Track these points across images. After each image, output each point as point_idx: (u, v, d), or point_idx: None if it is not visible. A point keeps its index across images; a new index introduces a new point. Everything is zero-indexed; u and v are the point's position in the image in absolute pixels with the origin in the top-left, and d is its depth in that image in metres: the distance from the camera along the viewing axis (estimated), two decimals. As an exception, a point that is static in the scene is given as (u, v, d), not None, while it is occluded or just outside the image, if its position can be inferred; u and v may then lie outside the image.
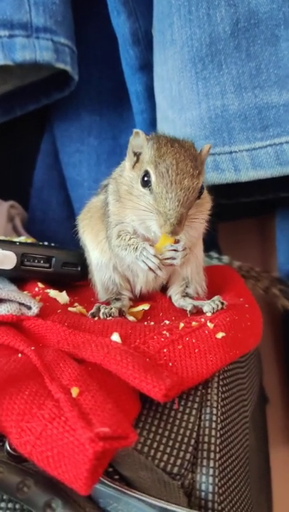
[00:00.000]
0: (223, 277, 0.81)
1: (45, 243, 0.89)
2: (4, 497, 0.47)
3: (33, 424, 0.45)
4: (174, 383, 0.50)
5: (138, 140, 0.67)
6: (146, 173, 0.64)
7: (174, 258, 0.65)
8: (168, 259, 0.65)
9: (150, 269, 0.64)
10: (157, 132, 0.72)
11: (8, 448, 0.48)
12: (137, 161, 0.67)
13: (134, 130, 0.67)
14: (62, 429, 0.44)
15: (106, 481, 0.47)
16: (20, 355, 0.56)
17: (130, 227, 0.69)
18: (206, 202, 0.70)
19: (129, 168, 0.68)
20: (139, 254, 0.65)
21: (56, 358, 0.54)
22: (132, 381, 0.50)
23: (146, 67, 0.99)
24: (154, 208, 0.63)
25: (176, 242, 0.65)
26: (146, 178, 0.64)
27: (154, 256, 0.64)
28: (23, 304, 0.63)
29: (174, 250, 0.65)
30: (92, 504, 0.46)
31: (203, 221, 0.70)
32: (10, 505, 0.47)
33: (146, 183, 0.64)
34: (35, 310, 0.63)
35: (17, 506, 0.47)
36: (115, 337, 0.57)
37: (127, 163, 0.69)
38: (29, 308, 0.64)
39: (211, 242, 0.79)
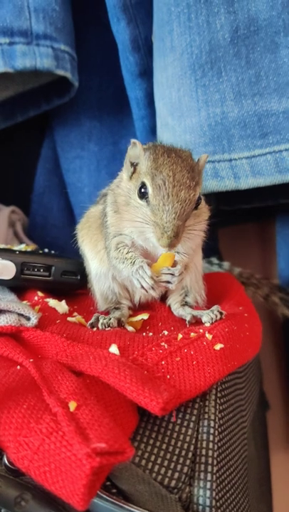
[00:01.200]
0: (223, 285, 0.81)
1: (46, 250, 0.89)
2: (2, 511, 0.48)
3: (31, 438, 0.45)
4: (172, 396, 0.50)
5: (135, 150, 0.67)
6: (143, 185, 0.64)
7: (169, 282, 0.65)
8: (164, 282, 0.65)
9: (143, 287, 0.65)
10: (155, 141, 0.72)
11: (6, 462, 0.48)
12: (134, 171, 0.67)
13: (132, 140, 0.67)
14: (60, 444, 0.44)
15: (103, 495, 0.47)
16: (18, 367, 0.56)
17: (128, 239, 0.69)
18: (204, 212, 0.70)
19: (126, 179, 0.68)
20: (135, 272, 0.65)
21: (55, 370, 0.54)
22: (130, 394, 0.50)
23: (146, 73, 0.99)
24: (151, 220, 0.63)
25: (174, 265, 0.65)
26: (143, 190, 0.64)
27: (150, 277, 0.64)
28: (22, 315, 0.64)
29: (171, 274, 0.65)
30: (89, 518, 0.47)
31: (201, 231, 0.69)
32: (8, 518, 0.47)
33: (143, 195, 0.64)
34: (34, 321, 0.63)
35: (15, 520, 0.47)
36: (113, 349, 0.57)
37: (124, 173, 0.69)
38: (28, 319, 0.64)
39: (211, 248, 0.79)
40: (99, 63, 1.13)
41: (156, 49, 0.94)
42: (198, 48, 0.85)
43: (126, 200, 0.67)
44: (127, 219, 0.67)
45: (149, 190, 0.63)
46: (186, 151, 0.68)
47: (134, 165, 0.68)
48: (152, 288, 0.64)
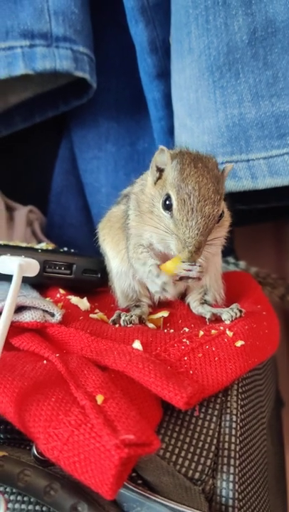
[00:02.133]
0: (241, 284, 0.83)
1: (65, 249, 0.91)
2: (32, 500, 0.49)
3: (60, 430, 0.47)
4: (195, 391, 0.51)
5: (162, 157, 0.67)
6: (168, 197, 0.64)
7: (189, 277, 0.65)
8: (184, 278, 0.65)
9: (155, 291, 0.66)
10: (181, 147, 0.72)
11: (35, 452, 0.50)
12: (160, 177, 0.68)
13: (160, 147, 0.67)
14: (89, 435, 0.46)
15: (130, 486, 0.49)
16: (45, 361, 0.57)
17: (146, 241, 0.70)
18: (226, 221, 0.70)
19: (151, 184, 0.69)
20: (148, 274, 0.66)
21: (80, 364, 0.55)
22: (154, 389, 0.51)
23: (163, 75, 1.00)
24: (173, 233, 0.63)
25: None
26: (168, 202, 0.64)
27: (158, 278, 0.64)
28: (46, 311, 0.65)
29: (189, 270, 0.64)
30: (116, 508, 0.48)
31: (221, 240, 0.70)
32: (37, 507, 0.49)
33: (167, 207, 0.64)
34: (58, 317, 0.65)
35: (44, 509, 0.49)
36: (137, 344, 0.59)
37: (150, 178, 0.70)
38: (52, 315, 0.65)
39: (227, 248, 0.80)
40: (116, 64, 1.15)
41: (174, 51, 0.95)
42: (216, 49, 0.86)
43: (150, 208, 0.67)
44: (150, 225, 0.67)
45: (174, 204, 0.63)
46: (211, 159, 0.67)
47: (160, 170, 0.68)
48: (164, 289, 0.64)
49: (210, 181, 0.63)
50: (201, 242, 0.61)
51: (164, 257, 0.69)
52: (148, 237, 0.69)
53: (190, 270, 0.64)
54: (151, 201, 0.67)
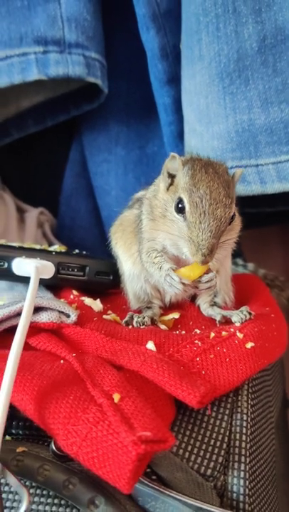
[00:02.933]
0: (250, 286, 0.84)
1: (77, 251, 0.93)
2: (51, 493, 0.51)
3: (79, 427, 0.49)
4: (208, 390, 0.53)
5: (174, 164, 0.69)
6: (181, 201, 0.66)
7: (210, 286, 0.69)
8: (205, 287, 0.68)
9: (176, 293, 0.69)
10: (192, 153, 0.74)
11: (54, 448, 0.52)
12: (172, 183, 0.69)
13: (171, 154, 0.69)
14: (107, 432, 0.47)
15: (145, 481, 0.51)
16: (62, 361, 0.59)
17: (160, 245, 0.72)
18: (237, 224, 0.72)
19: (164, 190, 0.70)
20: (164, 279, 0.68)
21: (96, 364, 0.57)
22: (168, 388, 0.53)
23: (174, 80, 1.02)
24: (186, 236, 0.65)
25: (207, 272, 0.68)
26: (180, 205, 0.66)
27: (180, 282, 0.67)
28: (62, 312, 0.67)
29: (210, 282, 0.68)
30: (132, 502, 0.50)
31: (232, 242, 0.72)
32: (56, 500, 0.51)
33: (180, 210, 0.66)
34: (73, 318, 0.67)
35: (62, 502, 0.51)
36: (150, 345, 0.61)
37: (162, 184, 0.71)
38: (68, 316, 0.67)
39: (235, 250, 0.81)
40: (127, 70, 1.16)
41: (185, 57, 0.97)
42: (227, 56, 0.88)
43: (163, 212, 0.69)
44: (163, 230, 0.69)
45: (186, 207, 0.65)
46: (222, 165, 0.70)
47: (172, 176, 0.70)
48: (185, 291, 0.67)
49: (220, 185, 0.65)
50: (214, 244, 0.63)
51: (177, 261, 0.72)
52: (161, 241, 0.71)
53: (211, 280, 0.67)
54: (164, 206, 0.69)
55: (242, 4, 0.86)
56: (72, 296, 0.77)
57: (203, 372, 0.57)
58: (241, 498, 0.53)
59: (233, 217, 0.68)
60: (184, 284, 0.67)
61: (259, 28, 0.86)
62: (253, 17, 0.85)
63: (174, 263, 0.71)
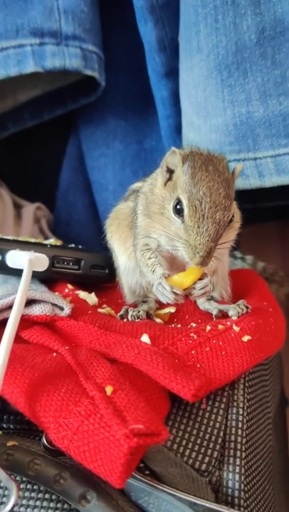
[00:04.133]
0: (247, 281, 0.83)
1: (72, 245, 0.92)
2: (41, 488, 0.50)
3: (70, 420, 0.48)
4: (203, 384, 0.52)
5: (174, 159, 0.66)
6: (179, 202, 0.63)
7: (204, 292, 0.66)
8: (199, 294, 0.66)
9: (167, 303, 0.66)
10: (192, 147, 0.71)
11: (45, 442, 0.51)
12: (170, 178, 0.67)
13: (172, 148, 0.67)
14: (98, 425, 0.46)
15: (138, 476, 0.50)
16: (54, 354, 0.58)
17: (155, 242, 0.69)
18: (236, 222, 0.70)
19: (161, 185, 0.68)
20: (156, 288, 0.66)
21: (89, 357, 0.56)
22: (163, 381, 0.52)
23: (172, 73, 1.01)
24: (184, 238, 0.63)
25: (202, 277, 0.66)
26: (178, 207, 0.63)
27: (171, 292, 0.64)
28: (55, 305, 0.66)
29: (203, 287, 0.66)
30: (124, 497, 0.49)
31: (230, 242, 0.70)
32: (47, 495, 0.50)
33: (178, 212, 0.64)
34: (67, 311, 0.66)
35: (53, 497, 0.50)
36: (145, 338, 0.60)
37: (160, 178, 0.69)
38: (61, 309, 0.66)
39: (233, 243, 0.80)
40: (124, 62, 1.15)
41: (183, 50, 0.96)
42: (225, 48, 0.87)
43: (160, 209, 0.67)
44: (159, 227, 0.67)
45: (185, 210, 0.62)
46: (222, 160, 0.67)
47: (170, 171, 0.67)
48: (177, 300, 0.65)
49: (221, 186, 0.62)
50: (212, 248, 0.62)
51: (172, 259, 0.70)
52: (156, 237, 0.69)
53: (205, 287, 0.65)
54: (162, 203, 0.67)
55: (241, -5, 0.85)
56: (66, 290, 0.76)
57: (199, 365, 0.56)
58: (237, 493, 0.51)
59: (232, 219, 0.66)
60: (175, 293, 0.64)
61: (258, 20, 0.85)
62: (252, 8, 0.84)
63: (168, 262, 0.69)
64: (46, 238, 1.16)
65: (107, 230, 0.80)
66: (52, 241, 0.91)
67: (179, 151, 0.66)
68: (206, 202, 0.61)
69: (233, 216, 0.66)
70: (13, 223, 1.15)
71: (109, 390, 0.50)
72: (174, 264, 0.70)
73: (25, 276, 0.61)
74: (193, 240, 0.61)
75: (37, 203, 1.22)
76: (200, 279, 0.66)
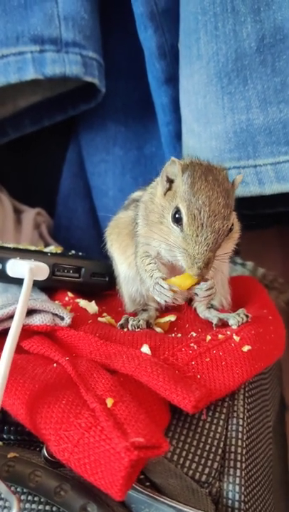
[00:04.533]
0: (247, 289, 0.83)
1: (73, 252, 0.92)
2: (42, 500, 0.50)
3: (71, 432, 0.48)
4: (203, 395, 0.52)
5: (173, 168, 0.66)
6: (178, 211, 0.63)
7: (210, 294, 0.66)
8: (205, 295, 0.66)
9: (166, 302, 0.66)
10: (192, 157, 0.71)
11: (46, 454, 0.51)
12: (170, 188, 0.67)
13: (171, 158, 0.67)
14: (99, 437, 0.47)
15: (138, 488, 0.50)
16: (55, 364, 0.58)
17: (154, 250, 0.70)
18: (235, 232, 0.70)
19: (161, 195, 0.68)
20: (153, 287, 0.66)
21: (90, 368, 0.56)
22: (163, 392, 0.52)
23: (172, 80, 1.01)
24: (182, 248, 0.63)
25: (205, 280, 0.65)
26: (177, 216, 0.63)
27: (169, 290, 0.64)
28: (56, 315, 0.66)
29: (209, 289, 0.66)
30: (124, 509, 0.49)
31: (229, 253, 0.70)
32: (47, 507, 0.50)
33: (177, 220, 0.64)
34: (67, 320, 0.66)
35: (54, 509, 0.50)
36: (145, 349, 0.60)
37: (159, 187, 0.69)
38: (62, 318, 0.66)
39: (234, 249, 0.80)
40: (124, 69, 1.16)
41: (183, 57, 0.96)
42: (225, 56, 0.87)
43: (159, 218, 0.67)
44: (158, 237, 0.67)
45: (184, 218, 0.62)
46: (222, 170, 0.67)
47: (170, 181, 0.67)
48: (175, 299, 0.65)
49: (220, 195, 0.62)
50: (210, 257, 0.62)
51: (172, 268, 0.70)
52: (156, 246, 0.69)
53: (211, 288, 0.66)
54: (161, 212, 0.67)
55: (240, 3, 0.85)
56: (67, 298, 0.76)
57: (199, 376, 0.56)
58: (237, 504, 0.52)
59: (231, 228, 0.66)
60: (173, 291, 0.65)
61: (258, 27, 0.85)
62: (252, 16, 0.85)
63: (168, 270, 0.70)
64: (46, 244, 1.16)
65: (108, 238, 0.80)
66: (52, 248, 0.91)
67: (179, 161, 0.66)
68: (205, 211, 0.61)
69: (232, 226, 0.66)
70: (13, 228, 1.15)
71: (109, 402, 0.50)
72: (174, 273, 0.70)
73: (26, 286, 0.61)
74: (192, 249, 0.62)
75: (37, 208, 1.22)
76: (204, 281, 0.66)
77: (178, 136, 1.03)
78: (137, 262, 0.72)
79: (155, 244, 0.69)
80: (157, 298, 0.66)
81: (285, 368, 1.07)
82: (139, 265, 0.71)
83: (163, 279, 0.66)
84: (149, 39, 1.00)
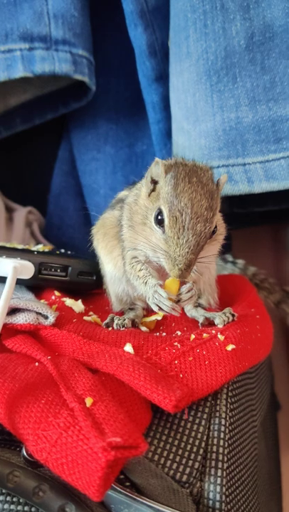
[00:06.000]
0: (236, 287, 0.83)
1: (62, 251, 0.92)
2: (21, 500, 0.50)
3: (49, 432, 0.47)
4: (184, 394, 0.52)
5: (158, 169, 0.65)
6: (160, 212, 0.63)
7: (191, 296, 0.65)
8: (187, 298, 0.65)
9: (164, 311, 0.64)
10: (177, 157, 0.70)
11: (25, 454, 0.51)
12: (154, 189, 0.67)
13: (156, 159, 0.66)
14: (77, 437, 0.46)
15: (118, 488, 0.49)
16: (37, 363, 0.58)
17: (143, 254, 0.69)
18: (219, 234, 0.69)
19: (145, 196, 0.68)
20: (152, 297, 0.64)
21: (71, 367, 0.56)
22: (144, 392, 0.52)
23: (162, 78, 1.01)
24: (164, 250, 0.63)
25: (184, 282, 0.65)
26: (159, 217, 0.63)
27: (168, 299, 0.63)
28: (40, 314, 0.66)
29: (189, 291, 0.65)
30: (104, 509, 0.49)
31: (214, 255, 0.70)
32: (26, 508, 0.50)
33: (159, 222, 0.63)
34: (51, 319, 0.66)
35: (33, 510, 0.50)
36: (128, 348, 0.59)
37: (144, 189, 0.69)
38: (46, 317, 0.66)
39: (225, 246, 0.80)
40: (116, 67, 1.15)
41: (173, 54, 0.95)
42: (214, 54, 0.87)
43: (143, 219, 0.67)
44: (142, 238, 0.67)
45: (166, 220, 0.62)
46: (207, 171, 0.66)
47: (154, 182, 0.67)
48: (173, 309, 0.63)
49: (204, 197, 0.62)
50: (192, 260, 0.61)
51: (161, 271, 0.69)
52: (142, 249, 0.68)
53: (191, 290, 0.65)
54: (145, 213, 0.66)
55: (230, 1, 0.84)
56: (53, 297, 0.75)
57: (181, 375, 0.56)
58: (218, 505, 0.51)
59: (214, 231, 0.65)
60: (171, 299, 0.63)
61: (247, 25, 0.84)
62: (241, 14, 0.84)
63: (159, 274, 0.69)
64: (38, 242, 1.16)
65: (94, 237, 0.79)
66: (40, 247, 0.91)
67: (162, 162, 0.65)
68: (187, 213, 0.61)
69: (216, 228, 0.65)
70: (4, 227, 1.15)
71: (89, 401, 0.49)
72: (163, 276, 0.69)
73: (9, 284, 0.61)
74: (173, 251, 0.61)
75: (29, 206, 1.22)
76: (182, 284, 0.65)
77: (168, 134, 1.02)
78: (126, 268, 0.71)
79: (141, 247, 0.68)
80: (154, 307, 0.65)
81: (277, 366, 1.07)
82: (129, 271, 0.70)
83: (161, 286, 0.65)
84: (139, 37, 0.99)
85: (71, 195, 1.22)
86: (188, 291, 0.65)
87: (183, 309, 0.75)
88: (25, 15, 0.97)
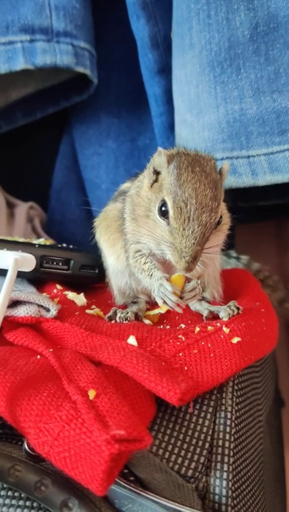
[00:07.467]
0: (240, 281, 0.82)
1: (64, 245, 0.90)
2: (22, 495, 0.49)
3: (51, 425, 0.46)
4: (189, 387, 0.51)
5: (160, 159, 0.64)
6: (164, 204, 0.62)
7: (195, 295, 0.64)
8: (190, 297, 0.64)
9: (166, 304, 0.63)
10: (179, 147, 0.69)
11: (27, 448, 0.49)
12: (156, 180, 0.65)
13: (158, 148, 0.65)
14: (80, 430, 0.45)
15: (121, 482, 0.48)
16: (38, 356, 0.57)
17: (146, 247, 0.68)
18: (224, 224, 0.68)
19: (147, 187, 0.66)
20: (157, 290, 0.63)
21: (74, 360, 0.55)
22: (148, 384, 0.51)
23: (164, 70, 1.00)
24: (169, 242, 0.61)
25: (188, 280, 0.64)
26: (163, 209, 0.62)
27: (173, 293, 0.62)
28: (42, 306, 0.65)
29: (193, 289, 0.64)
30: (107, 504, 0.48)
31: (219, 246, 0.68)
32: (28, 503, 0.48)
33: (163, 214, 0.62)
34: (53, 312, 0.65)
35: (34, 505, 0.48)
36: (132, 340, 0.58)
37: (146, 180, 0.67)
38: (48, 310, 0.65)
39: (228, 242, 0.79)
40: (118, 60, 1.14)
41: (175, 46, 0.94)
42: (218, 45, 0.86)
43: (146, 212, 0.65)
44: (145, 231, 0.65)
45: (170, 212, 0.61)
46: (210, 160, 0.65)
47: (157, 173, 0.65)
48: (177, 305, 0.62)
49: (208, 187, 0.60)
50: (198, 251, 0.60)
51: (166, 264, 0.68)
52: (146, 243, 0.67)
53: (195, 288, 0.63)
54: (148, 205, 0.65)
55: (234, -10, 0.83)
56: (55, 291, 0.74)
57: (186, 368, 0.55)
58: (224, 500, 0.50)
59: (220, 221, 0.64)
60: (176, 294, 0.62)
61: (251, 16, 0.83)
62: (245, 4, 0.83)
63: (163, 268, 0.67)
64: (39, 237, 1.15)
65: (96, 229, 0.78)
66: (42, 241, 0.90)
67: (165, 152, 0.64)
68: (192, 204, 0.59)
69: (221, 218, 0.64)
70: (5, 222, 1.14)
71: (92, 394, 0.48)
72: (167, 270, 0.68)
73: (10, 276, 0.60)
74: (179, 243, 0.60)
75: (30, 202, 1.21)
76: (186, 281, 0.64)
77: (171, 127, 1.01)
78: (130, 262, 0.70)
79: (145, 240, 0.67)
80: (159, 301, 0.64)
81: (281, 361, 1.06)
82: (133, 265, 0.69)
83: (166, 280, 0.64)
84: (141, 29, 0.99)
85: (73, 190, 1.21)
86: (192, 289, 0.64)
87: (187, 303, 0.74)
88: (26, 6, 0.96)
